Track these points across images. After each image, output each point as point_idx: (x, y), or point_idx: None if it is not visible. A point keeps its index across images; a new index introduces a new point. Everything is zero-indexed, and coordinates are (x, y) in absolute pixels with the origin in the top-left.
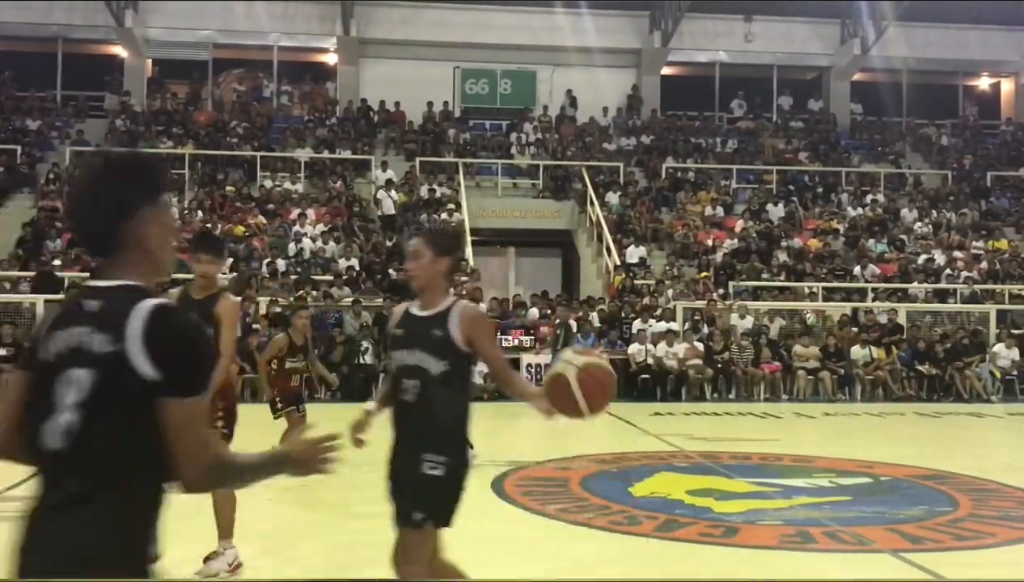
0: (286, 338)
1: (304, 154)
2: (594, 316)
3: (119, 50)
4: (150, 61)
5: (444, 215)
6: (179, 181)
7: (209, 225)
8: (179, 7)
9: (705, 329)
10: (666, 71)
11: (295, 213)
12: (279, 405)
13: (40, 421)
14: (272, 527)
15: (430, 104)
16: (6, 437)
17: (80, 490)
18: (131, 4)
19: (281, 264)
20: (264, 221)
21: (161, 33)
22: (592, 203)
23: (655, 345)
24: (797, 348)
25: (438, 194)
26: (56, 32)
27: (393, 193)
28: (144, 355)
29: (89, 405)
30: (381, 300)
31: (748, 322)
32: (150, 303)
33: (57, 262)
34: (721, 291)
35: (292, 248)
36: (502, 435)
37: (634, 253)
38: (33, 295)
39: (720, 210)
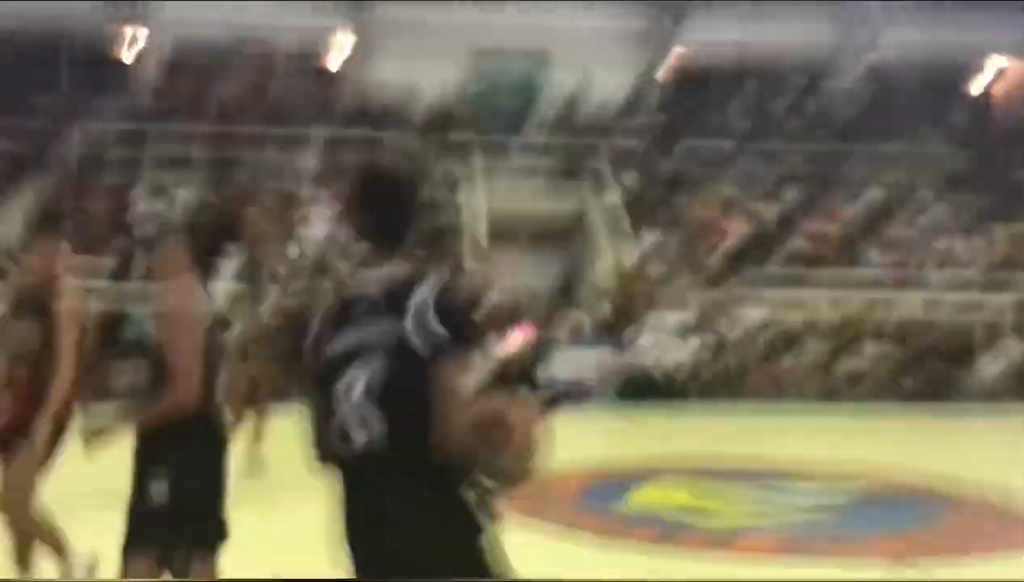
0: None
1: (316, 138)
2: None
3: (130, 36)
4: (162, 48)
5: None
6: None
7: None
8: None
9: (714, 319)
10: (679, 51)
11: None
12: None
13: (333, 415)
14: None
15: (440, 95)
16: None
17: (392, 474)
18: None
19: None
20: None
21: (173, 17)
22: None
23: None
24: (806, 342)
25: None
26: (64, 19)
27: None
28: (424, 330)
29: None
30: None
31: (759, 313)
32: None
33: None
34: (734, 279)
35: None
36: None
37: (647, 238)
38: None
39: (735, 193)
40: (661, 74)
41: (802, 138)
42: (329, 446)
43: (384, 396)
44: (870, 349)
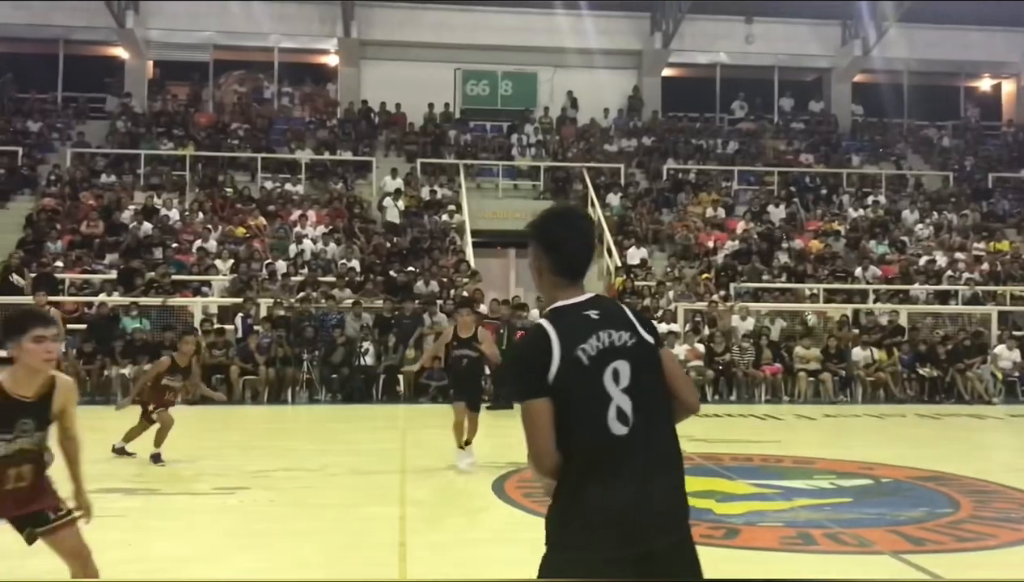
0: (169, 361)
1: (305, 156)
2: None
3: (120, 52)
4: (151, 63)
5: (445, 217)
6: (180, 183)
7: (210, 226)
8: (180, 8)
9: (706, 331)
10: (667, 72)
11: (296, 214)
12: (151, 408)
13: (599, 413)
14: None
15: (431, 105)
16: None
17: (655, 458)
18: (132, 5)
19: (282, 265)
20: (265, 222)
21: (162, 34)
22: (593, 204)
23: None
24: (798, 350)
25: (439, 195)
26: (57, 33)
27: (400, 202)
28: (646, 332)
29: (636, 386)
30: (381, 302)
31: (749, 323)
32: (623, 303)
33: (59, 263)
34: (722, 293)
35: (293, 249)
36: (502, 437)
37: (635, 254)
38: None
39: (721, 212)
40: (650, 92)
41: (789, 156)
42: (604, 428)
43: (639, 379)
44: (860, 354)
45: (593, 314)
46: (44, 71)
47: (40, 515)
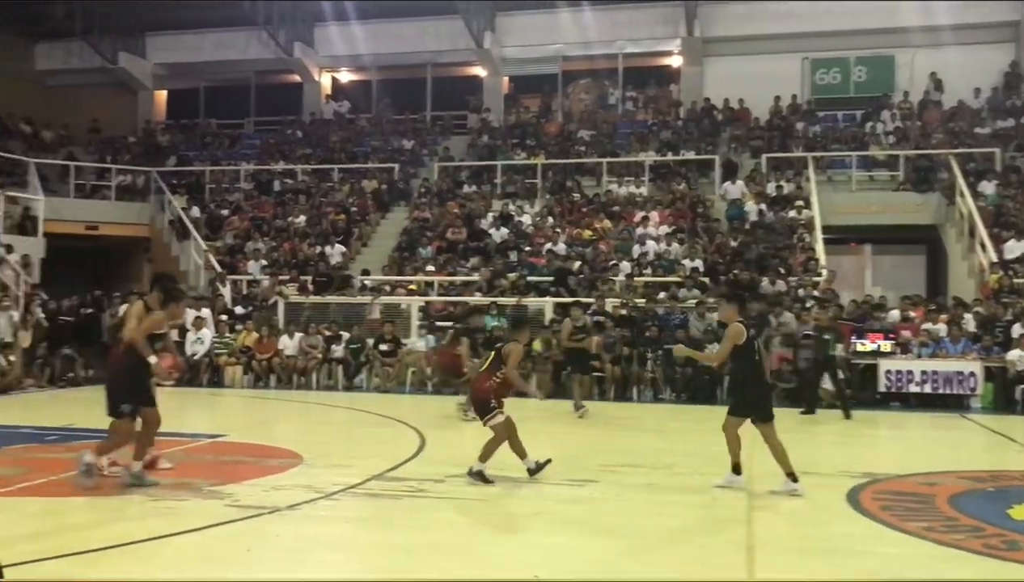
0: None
1: (648, 157)
2: (968, 319)
3: (479, 70)
4: (506, 78)
5: (792, 213)
6: (532, 190)
7: (559, 230)
8: (531, 25)
9: None
10: None
11: (639, 215)
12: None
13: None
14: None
15: (777, 98)
16: None
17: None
18: (489, 25)
19: (625, 266)
20: (609, 224)
21: (515, 51)
22: (962, 194)
23: None
24: None
25: (785, 191)
26: (426, 58)
27: (747, 201)
28: None
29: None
30: None
31: None
32: None
33: (430, 267)
34: None
35: (636, 250)
36: (854, 445)
37: (1014, 248)
38: (408, 298)
39: None
40: None
41: None
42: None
43: None
44: None
45: None
46: (415, 93)
47: None
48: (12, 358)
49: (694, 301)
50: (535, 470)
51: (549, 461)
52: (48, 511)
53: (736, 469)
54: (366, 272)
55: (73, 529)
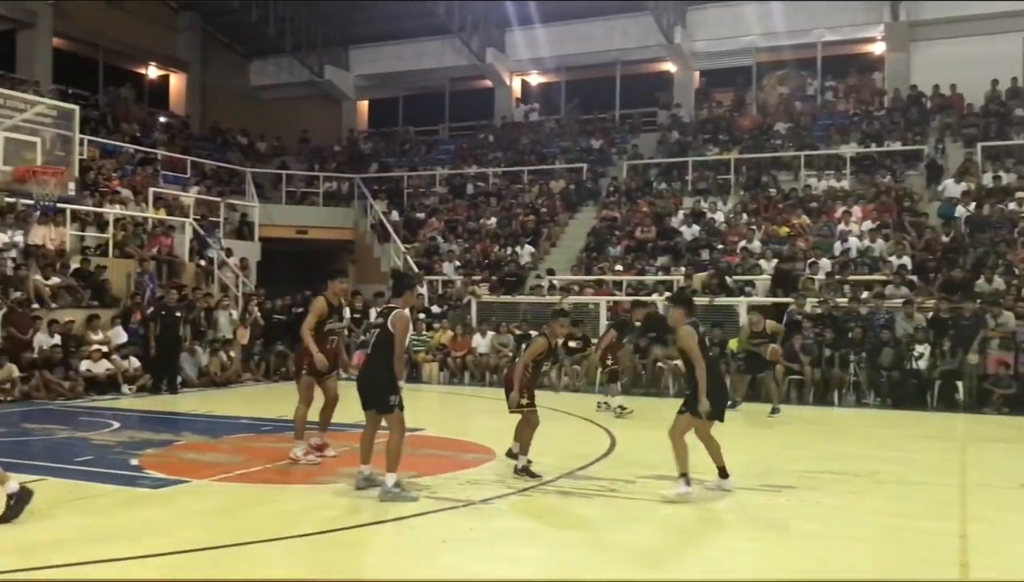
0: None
1: (850, 149)
2: None
3: (668, 66)
4: (697, 73)
5: (1012, 205)
6: (725, 186)
7: (754, 227)
8: (723, 17)
9: None
10: None
11: (840, 211)
12: None
13: None
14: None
15: (994, 82)
16: None
17: None
18: (679, 20)
19: (826, 263)
20: (808, 221)
21: (707, 45)
22: None
23: None
24: None
25: (1004, 182)
26: (614, 57)
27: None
28: None
29: None
30: (935, 301)
31: None
32: None
33: (618, 267)
34: None
35: (837, 247)
36: None
37: None
38: (595, 297)
39: None
40: None
41: None
42: None
43: None
44: None
45: None
46: (604, 92)
47: None
48: (232, 354)
49: (900, 300)
50: (522, 470)
51: (535, 475)
52: (263, 497)
53: (722, 473)
54: (551, 272)
55: (287, 515)
